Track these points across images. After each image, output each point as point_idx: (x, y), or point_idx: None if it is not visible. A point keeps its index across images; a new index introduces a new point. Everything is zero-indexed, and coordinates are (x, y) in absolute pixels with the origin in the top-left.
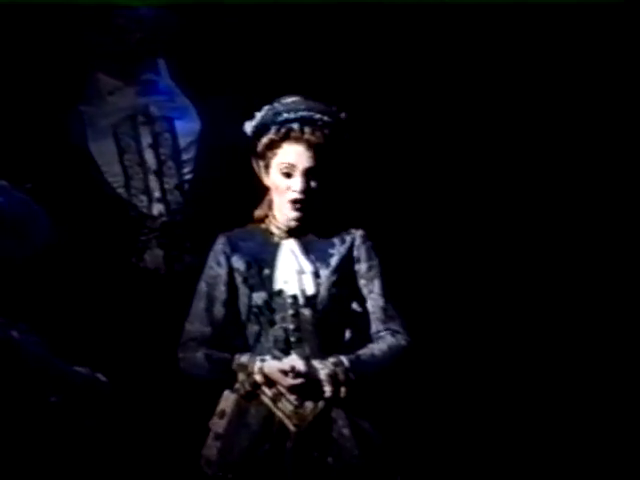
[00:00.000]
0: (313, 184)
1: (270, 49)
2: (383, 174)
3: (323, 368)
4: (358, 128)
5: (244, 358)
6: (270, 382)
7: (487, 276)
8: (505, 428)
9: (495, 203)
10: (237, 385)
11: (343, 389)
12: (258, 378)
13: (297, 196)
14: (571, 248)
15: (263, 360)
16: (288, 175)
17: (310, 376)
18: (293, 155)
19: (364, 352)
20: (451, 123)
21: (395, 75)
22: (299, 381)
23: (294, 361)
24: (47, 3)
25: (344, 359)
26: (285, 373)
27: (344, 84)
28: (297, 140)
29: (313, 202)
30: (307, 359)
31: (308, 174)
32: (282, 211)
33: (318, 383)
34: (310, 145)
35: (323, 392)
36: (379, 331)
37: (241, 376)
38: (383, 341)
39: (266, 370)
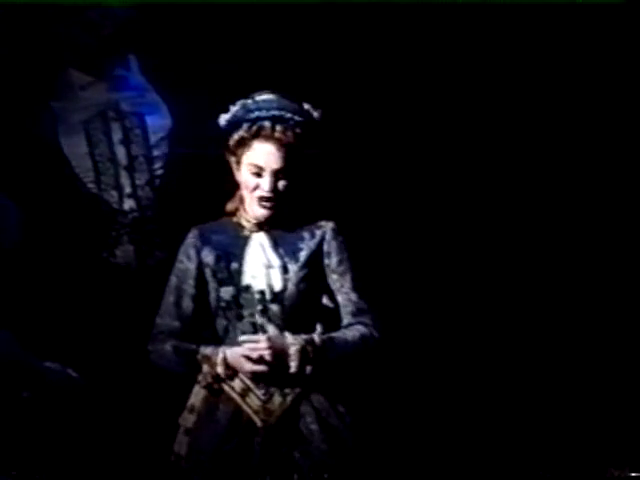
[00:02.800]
0: (282, 184)
1: (241, 46)
2: (354, 168)
3: (294, 344)
4: (330, 126)
5: (208, 349)
6: (231, 375)
7: (458, 268)
8: (477, 422)
9: (466, 196)
10: (200, 377)
11: (309, 367)
12: (220, 370)
13: (265, 195)
14: (539, 235)
15: (227, 349)
16: (257, 175)
17: (279, 349)
18: (263, 155)
19: (337, 335)
20: (426, 119)
21: (364, 72)
22: (261, 368)
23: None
24: None
25: (316, 337)
26: (247, 358)
27: (315, 81)
28: (267, 139)
29: (282, 201)
30: (281, 332)
31: (277, 174)
32: (251, 208)
33: (286, 357)
34: (281, 144)
35: (289, 367)
36: (351, 324)
37: (205, 368)
38: (357, 330)
39: (229, 357)
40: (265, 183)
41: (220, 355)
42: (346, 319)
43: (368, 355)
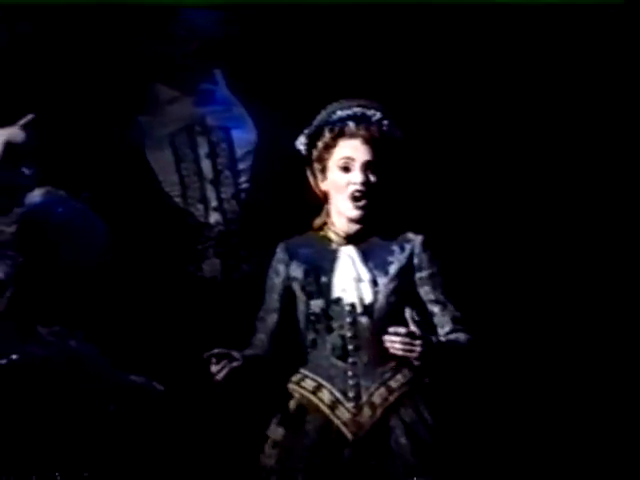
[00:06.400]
0: (372, 178)
1: (326, 58)
2: (438, 177)
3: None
4: (410, 128)
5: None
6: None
7: (546, 277)
8: (569, 432)
9: (552, 205)
10: None
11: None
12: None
13: (358, 188)
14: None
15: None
16: (347, 169)
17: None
18: (350, 149)
19: (448, 339)
20: (516, 131)
21: (455, 86)
22: (217, 368)
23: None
24: (107, 14)
25: (433, 339)
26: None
27: (401, 88)
28: (352, 136)
29: (373, 198)
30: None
31: (367, 167)
32: (341, 211)
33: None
34: (366, 140)
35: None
36: (452, 330)
37: None
38: (462, 334)
39: None
40: (356, 176)
41: None
42: (447, 327)
43: (473, 360)
